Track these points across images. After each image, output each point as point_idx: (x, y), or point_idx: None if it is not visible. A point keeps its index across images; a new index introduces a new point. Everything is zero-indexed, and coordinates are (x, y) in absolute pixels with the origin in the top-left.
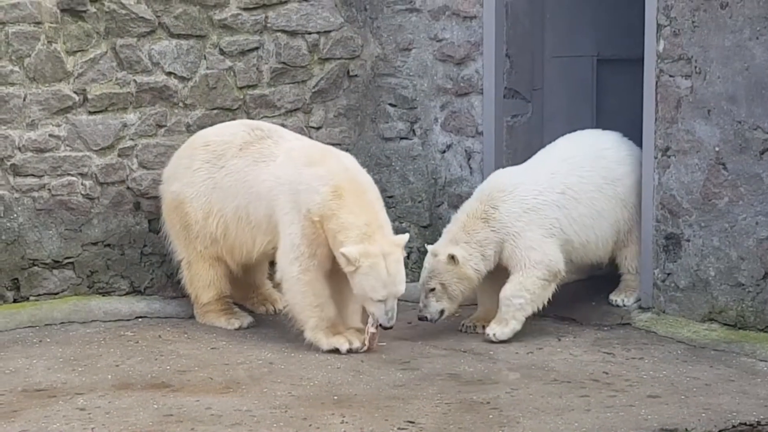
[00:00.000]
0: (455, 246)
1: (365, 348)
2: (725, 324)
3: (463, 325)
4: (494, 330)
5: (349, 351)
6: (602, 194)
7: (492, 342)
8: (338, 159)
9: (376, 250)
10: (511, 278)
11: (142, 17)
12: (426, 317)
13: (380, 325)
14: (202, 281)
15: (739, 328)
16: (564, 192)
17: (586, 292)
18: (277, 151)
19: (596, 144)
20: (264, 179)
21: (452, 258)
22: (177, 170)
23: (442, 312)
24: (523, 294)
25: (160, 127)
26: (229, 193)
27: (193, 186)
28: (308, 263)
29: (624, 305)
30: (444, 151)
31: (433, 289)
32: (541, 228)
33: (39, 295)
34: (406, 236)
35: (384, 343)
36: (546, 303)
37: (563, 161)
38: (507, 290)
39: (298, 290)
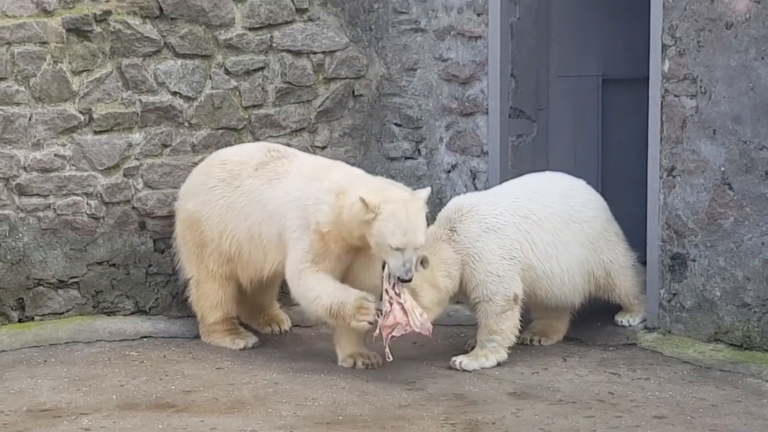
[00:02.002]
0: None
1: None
2: (731, 344)
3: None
4: (462, 360)
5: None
6: (569, 229)
7: (464, 371)
8: (346, 170)
9: (397, 197)
10: (479, 321)
11: (147, 37)
12: None
13: (398, 278)
14: (210, 301)
15: (745, 349)
16: (527, 216)
17: (591, 313)
18: (290, 169)
19: (565, 183)
20: (276, 196)
21: (422, 263)
22: (194, 187)
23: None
24: (494, 337)
25: (166, 146)
26: (243, 213)
27: (208, 204)
28: (316, 267)
29: (630, 325)
30: (449, 171)
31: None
32: (501, 249)
33: (44, 314)
34: (428, 190)
35: (391, 359)
36: (519, 329)
37: (529, 191)
38: (480, 335)
39: (305, 288)
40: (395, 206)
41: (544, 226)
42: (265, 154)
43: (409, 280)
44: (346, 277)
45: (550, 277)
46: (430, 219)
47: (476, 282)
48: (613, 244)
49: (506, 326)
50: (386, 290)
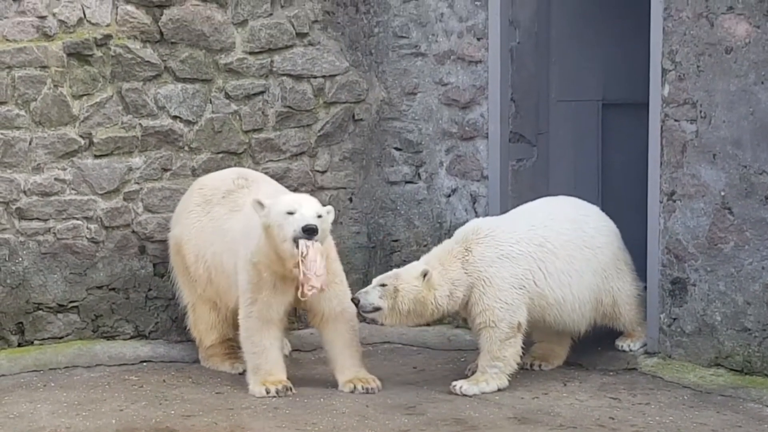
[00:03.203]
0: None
1: (306, 288)
2: (732, 369)
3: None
4: (463, 385)
5: (277, 393)
6: (582, 255)
7: (464, 395)
8: None
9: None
10: (482, 346)
11: (148, 61)
12: (358, 300)
13: (304, 232)
14: (205, 324)
15: (746, 374)
16: (542, 245)
17: (592, 337)
18: (246, 202)
19: (578, 209)
20: (233, 228)
21: (425, 275)
22: (178, 213)
23: (376, 309)
24: (497, 363)
25: (166, 170)
26: (209, 239)
27: (187, 228)
28: (249, 309)
29: (630, 350)
30: (449, 195)
31: (385, 285)
32: (513, 277)
33: (43, 339)
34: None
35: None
36: (520, 356)
37: (544, 217)
38: (482, 360)
39: (242, 335)
40: (281, 197)
41: (558, 254)
42: (233, 182)
43: (314, 229)
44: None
45: (561, 305)
46: (434, 240)
47: (483, 307)
48: (623, 273)
49: (509, 353)
50: (299, 255)
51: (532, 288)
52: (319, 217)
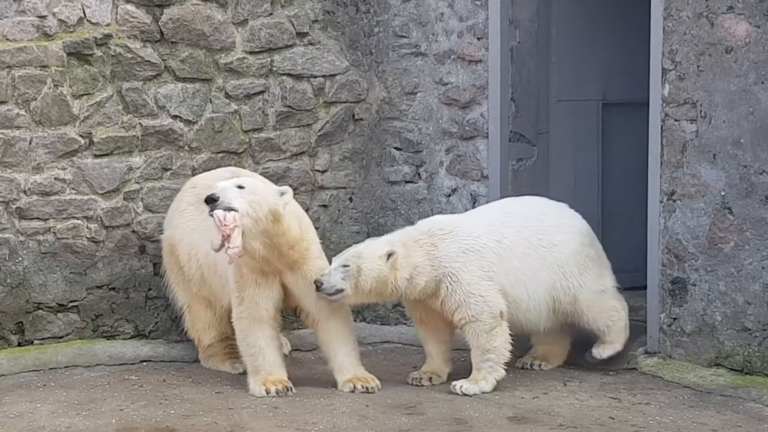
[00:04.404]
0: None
1: (221, 242)
2: (732, 369)
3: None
4: (463, 385)
5: (277, 393)
6: (536, 254)
7: (465, 395)
8: None
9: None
10: (470, 342)
11: (148, 61)
12: (321, 283)
13: (205, 203)
14: (202, 323)
15: (746, 374)
16: (500, 240)
17: (592, 338)
18: None
19: (538, 207)
20: None
21: (389, 255)
22: (170, 214)
23: (339, 291)
24: (489, 356)
25: (166, 170)
26: (203, 237)
27: (180, 229)
28: (239, 310)
29: (596, 358)
30: (449, 195)
31: (347, 266)
32: (479, 269)
33: (43, 338)
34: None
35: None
36: (511, 344)
37: (502, 215)
38: (474, 357)
39: (237, 337)
40: None
41: (515, 251)
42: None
43: (213, 198)
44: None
45: (517, 303)
46: None
47: (457, 302)
48: (584, 268)
49: (498, 343)
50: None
51: (497, 280)
52: (240, 188)
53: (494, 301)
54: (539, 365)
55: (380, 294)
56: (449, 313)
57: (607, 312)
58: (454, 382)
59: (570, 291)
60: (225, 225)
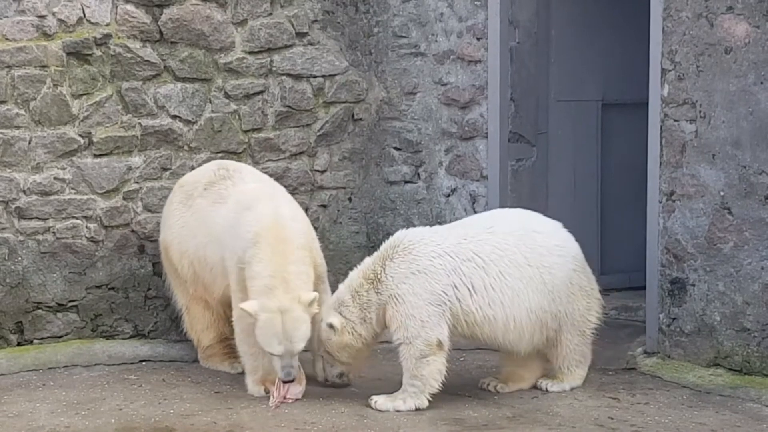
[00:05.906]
0: (334, 312)
1: (276, 400)
2: (731, 369)
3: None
4: (378, 400)
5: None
6: (520, 273)
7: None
8: (273, 204)
9: (274, 306)
10: (401, 361)
11: (147, 61)
12: (326, 380)
13: (283, 381)
14: (200, 324)
15: (745, 374)
16: (471, 259)
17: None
18: (231, 193)
19: (529, 224)
20: (217, 222)
21: (330, 326)
22: (164, 216)
23: (341, 375)
24: (415, 382)
25: (165, 170)
26: (192, 232)
27: (171, 228)
28: (242, 312)
29: (545, 390)
30: (449, 195)
31: (323, 356)
32: (427, 293)
33: (43, 338)
34: (314, 294)
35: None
36: (443, 376)
37: (482, 230)
38: (403, 378)
39: (237, 336)
40: (270, 316)
41: (489, 270)
42: (214, 173)
43: (291, 381)
44: None
45: (492, 323)
46: None
47: (398, 324)
48: (574, 299)
49: (427, 372)
50: (277, 381)
51: (455, 304)
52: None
53: (433, 329)
54: (495, 386)
55: (361, 349)
56: (391, 332)
57: (577, 357)
58: (372, 396)
59: (557, 318)
60: (288, 399)
